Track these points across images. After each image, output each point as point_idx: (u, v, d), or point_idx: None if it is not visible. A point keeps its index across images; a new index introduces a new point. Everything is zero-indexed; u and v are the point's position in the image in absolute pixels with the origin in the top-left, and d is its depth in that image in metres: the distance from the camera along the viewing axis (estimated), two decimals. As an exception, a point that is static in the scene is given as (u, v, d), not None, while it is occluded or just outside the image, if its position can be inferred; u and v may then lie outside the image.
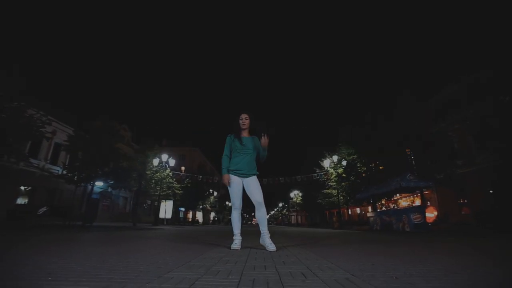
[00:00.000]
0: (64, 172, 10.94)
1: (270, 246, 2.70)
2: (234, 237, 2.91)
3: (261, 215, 2.87)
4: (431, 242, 4.19)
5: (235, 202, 2.93)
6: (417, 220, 8.80)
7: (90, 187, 11.41)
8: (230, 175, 2.96)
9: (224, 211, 49.69)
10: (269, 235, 2.84)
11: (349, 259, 2.10)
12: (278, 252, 2.61)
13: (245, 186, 2.95)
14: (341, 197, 17.81)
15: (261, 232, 2.87)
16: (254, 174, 2.99)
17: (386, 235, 7.25)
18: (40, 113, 8.42)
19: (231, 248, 2.79)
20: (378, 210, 16.01)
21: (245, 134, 3.13)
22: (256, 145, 3.09)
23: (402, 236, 6.37)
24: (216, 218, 43.28)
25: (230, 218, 3.06)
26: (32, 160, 16.75)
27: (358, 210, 29.93)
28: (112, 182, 13.27)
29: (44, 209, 8.15)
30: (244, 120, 3.12)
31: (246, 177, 2.95)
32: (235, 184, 2.92)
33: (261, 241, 2.89)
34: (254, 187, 2.89)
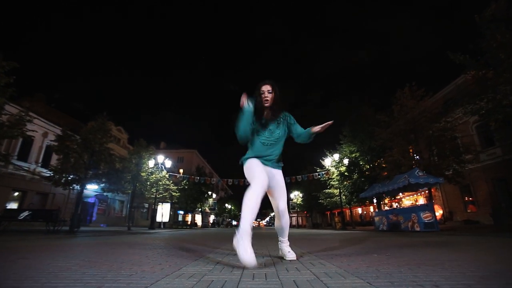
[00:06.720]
0: (51, 174, 10.33)
1: (289, 254, 2.14)
2: (237, 236, 1.65)
3: (284, 224, 2.18)
4: (450, 243, 3.70)
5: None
6: (428, 218, 8.25)
7: (79, 190, 10.80)
8: (250, 159, 2.08)
9: (223, 214, 49.12)
10: (288, 243, 2.24)
11: (361, 264, 1.84)
12: (280, 257, 2.28)
13: (270, 181, 2.04)
14: (344, 197, 17.30)
15: (280, 240, 2.27)
16: (279, 168, 2.18)
17: (396, 236, 6.69)
18: (21, 110, 7.84)
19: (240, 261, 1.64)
20: (383, 209, 15.49)
21: (267, 113, 2.16)
22: (290, 126, 2.18)
23: (415, 237, 5.84)
24: (215, 221, 42.67)
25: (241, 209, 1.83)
26: (22, 163, 16.22)
27: (359, 210, 29.49)
28: (104, 184, 12.67)
29: (25, 213, 7.54)
30: (267, 93, 2.12)
31: (272, 167, 2.13)
32: (256, 164, 2.02)
33: (279, 247, 2.31)
34: (280, 185, 2.13)
